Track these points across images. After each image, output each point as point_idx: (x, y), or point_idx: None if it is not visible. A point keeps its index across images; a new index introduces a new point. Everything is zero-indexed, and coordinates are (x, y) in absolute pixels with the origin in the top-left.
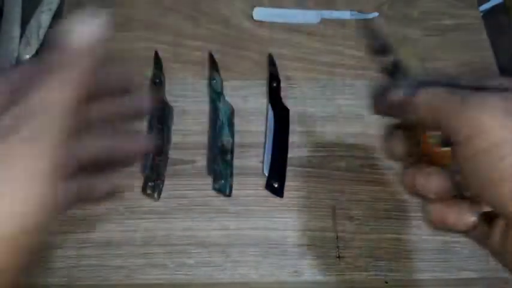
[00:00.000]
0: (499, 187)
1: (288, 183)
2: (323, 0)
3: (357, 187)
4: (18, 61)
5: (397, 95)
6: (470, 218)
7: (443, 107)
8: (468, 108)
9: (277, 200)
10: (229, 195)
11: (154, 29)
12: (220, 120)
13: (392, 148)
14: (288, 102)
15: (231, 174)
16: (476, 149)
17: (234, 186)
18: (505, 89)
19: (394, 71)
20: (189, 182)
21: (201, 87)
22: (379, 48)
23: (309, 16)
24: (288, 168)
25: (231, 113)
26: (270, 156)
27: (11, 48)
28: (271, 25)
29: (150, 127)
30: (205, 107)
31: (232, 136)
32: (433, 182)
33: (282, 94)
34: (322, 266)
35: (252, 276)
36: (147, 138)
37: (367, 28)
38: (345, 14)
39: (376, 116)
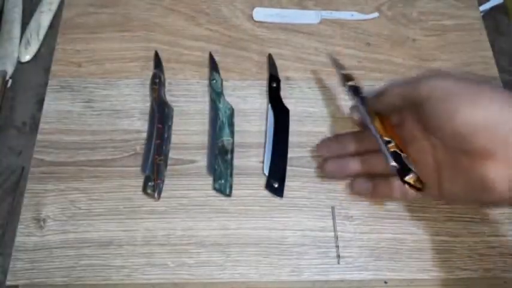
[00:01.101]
0: (449, 121)
1: (288, 183)
2: (323, 1)
3: None
4: (19, 61)
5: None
6: None
7: (406, 88)
8: (426, 80)
9: (277, 200)
10: (229, 195)
11: (154, 29)
12: (220, 120)
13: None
14: (288, 102)
15: (231, 174)
16: (432, 97)
17: (234, 186)
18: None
19: (357, 92)
20: (189, 182)
21: (201, 87)
22: (344, 77)
23: (308, 16)
24: (288, 168)
25: (231, 113)
26: (270, 156)
27: (11, 49)
28: (271, 25)
29: (150, 127)
30: (205, 107)
31: (232, 136)
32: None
33: (282, 94)
34: (321, 266)
35: (252, 275)
36: None
37: (334, 62)
38: (345, 14)
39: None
